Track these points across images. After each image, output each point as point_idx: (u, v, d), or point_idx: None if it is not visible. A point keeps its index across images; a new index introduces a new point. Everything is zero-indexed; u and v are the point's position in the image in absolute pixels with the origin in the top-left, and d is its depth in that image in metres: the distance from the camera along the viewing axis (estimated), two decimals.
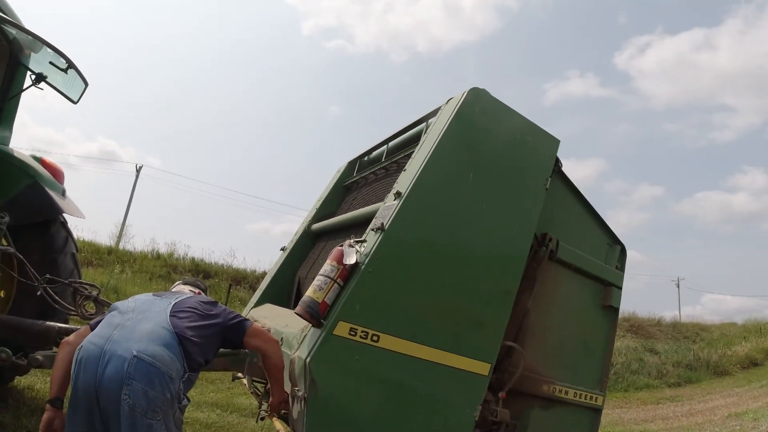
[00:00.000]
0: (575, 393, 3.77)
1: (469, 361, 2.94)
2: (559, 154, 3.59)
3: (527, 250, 3.28)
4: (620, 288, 4.10)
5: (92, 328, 2.56)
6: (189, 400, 2.53)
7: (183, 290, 3.04)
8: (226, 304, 11.73)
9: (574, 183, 3.81)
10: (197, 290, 3.14)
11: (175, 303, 2.64)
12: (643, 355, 16.23)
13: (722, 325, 25.38)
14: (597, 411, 3.94)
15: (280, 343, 3.06)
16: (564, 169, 3.69)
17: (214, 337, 2.64)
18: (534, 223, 3.32)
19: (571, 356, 3.85)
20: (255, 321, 3.63)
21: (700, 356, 16.85)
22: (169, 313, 2.54)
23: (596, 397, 3.90)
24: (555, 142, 3.56)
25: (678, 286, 41.74)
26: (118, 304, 2.67)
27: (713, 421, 9.69)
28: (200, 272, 15.65)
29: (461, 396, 2.92)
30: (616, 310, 4.10)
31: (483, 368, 2.98)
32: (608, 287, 4.02)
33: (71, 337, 2.66)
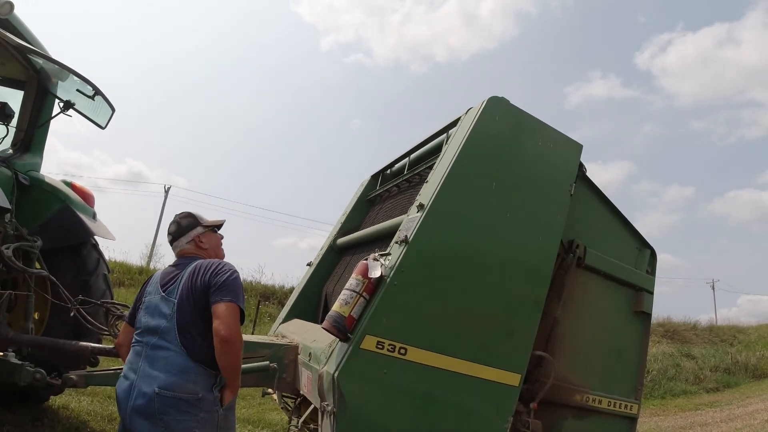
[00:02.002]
0: (609, 402, 3.69)
1: (499, 372, 2.90)
2: (583, 158, 3.55)
3: (554, 258, 3.24)
4: (652, 293, 4.01)
5: (129, 324, 2.73)
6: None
7: (182, 250, 2.73)
8: (255, 320, 11.83)
9: (601, 187, 3.76)
10: (192, 236, 2.74)
11: (177, 303, 2.48)
12: (679, 360, 15.85)
13: (760, 326, 24.63)
14: (632, 420, 3.84)
15: (308, 359, 3.08)
16: (589, 173, 3.64)
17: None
18: (560, 230, 3.28)
19: (603, 364, 3.77)
20: (283, 336, 3.65)
21: (738, 359, 16.40)
22: (176, 330, 2.44)
23: (631, 406, 3.82)
24: (578, 147, 3.52)
25: (713, 289, 40.87)
26: (143, 313, 2.63)
27: (752, 425, 9.39)
28: None
29: (492, 408, 2.89)
30: (649, 315, 4.01)
31: (513, 379, 2.94)
32: (639, 292, 3.94)
33: (120, 339, 2.85)
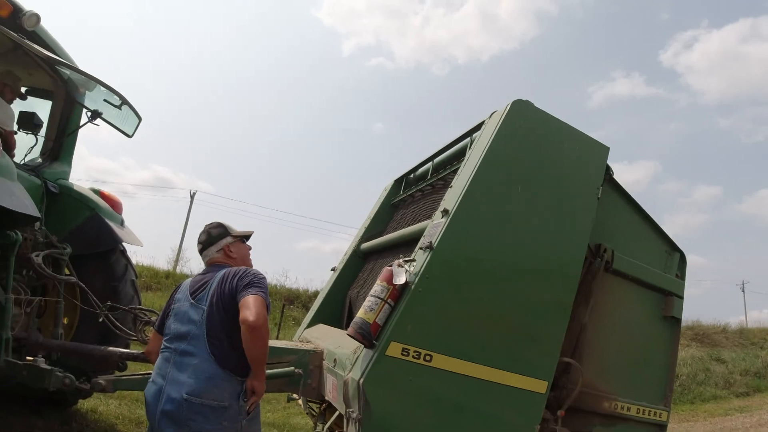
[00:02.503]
0: (638, 409, 3.62)
1: (526, 379, 2.87)
2: (609, 160, 3.48)
3: (581, 263, 3.19)
4: (681, 297, 3.93)
5: (158, 331, 2.79)
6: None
7: (211, 258, 2.79)
8: (280, 324, 11.87)
9: (626, 187, 3.69)
10: (221, 245, 2.79)
11: (206, 310, 2.53)
12: (709, 364, 15.48)
13: None
14: (662, 427, 3.76)
15: (333, 365, 3.07)
16: (615, 173, 3.57)
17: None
18: (587, 235, 3.23)
19: (632, 371, 3.70)
20: (308, 342, 3.65)
21: None
22: (205, 337, 2.49)
23: (660, 413, 3.74)
24: (604, 150, 3.46)
25: (743, 290, 39.86)
26: (172, 320, 2.67)
27: None
28: None
29: (518, 415, 2.85)
30: (678, 320, 3.93)
31: (540, 386, 2.90)
32: (669, 297, 3.85)
33: (150, 347, 2.92)
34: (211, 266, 2.77)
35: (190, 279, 2.81)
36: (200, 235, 2.87)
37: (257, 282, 2.51)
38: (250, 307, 2.38)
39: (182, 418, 2.36)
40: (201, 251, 2.85)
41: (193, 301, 2.60)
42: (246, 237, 2.94)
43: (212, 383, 2.42)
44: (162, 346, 2.65)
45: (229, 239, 2.83)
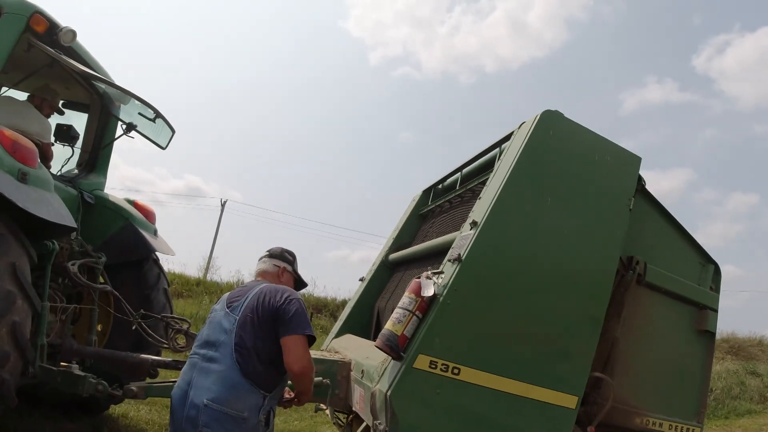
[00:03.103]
0: (670, 425, 3.54)
1: (555, 394, 2.83)
2: (642, 167, 3.42)
3: (613, 275, 3.14)
4: (716, 311, 3.83)
5: None
6: (273, 421, 2.64)
7: (263, 269, 2.95)
8: None
9: (660, 196, 3.62)
10: (281, 265, 2.96)
11: (238, 319, 2.59)
12: (744, 378, 15.03)
13: None
14: None
15: (361, 376, 3.08)
16: (648, 181, 3.50)
17: (276, 339, 2.55)
18: (619, 247, 3.18)
19: (664, 386, 3.62)
20: (336, 352, 3.66)
21: None
22: (233, 345, 2.53)
23: (693, 429, 3.64)
24: (636, 160, 3.41)
25: None
26: (205, 328, 2.76)
27: None
28: None
29: (547, 430, 2.81)
30: (713, 334, 3.83)
31: (570, 401, 2.85)
32: (703, 310, 3.76)
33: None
34: (258, 278, 2.93)
35: (229, 292, 2.92)
36: (275, 248, 3.08)
37: (299, 316, 2.58)
38: (294, 352, 2.51)
39: (199, 423, 2.40)
40: (263, 257, 3.02)
41: (227, 310, 2.68)
42: (300, 280, 3.08)
43: (235, 392, 2.45)
44: (191, 352, 2.71)
45: (290, 268, 3.00)
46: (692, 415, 3.70)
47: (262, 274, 2.95)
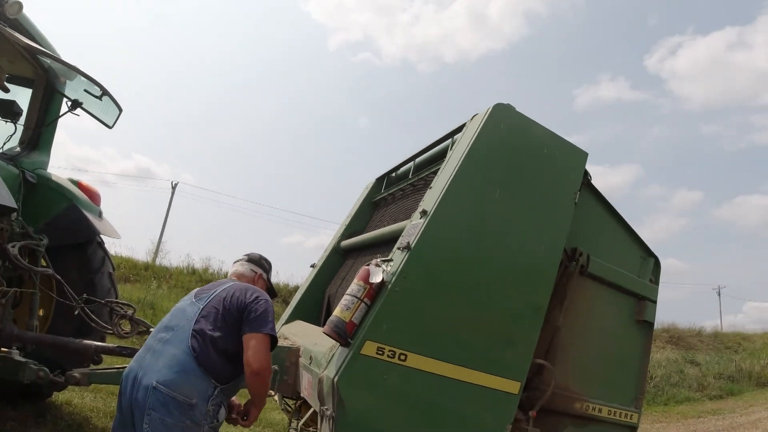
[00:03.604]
0: (609, 410, 3.68)
1: (499, 380, 2.91)
2: (590, 161, 3.54)
3: (557, 266, 3.24)
4: (655, 302, 4.00)
5: None
6: (225, 413, 2.60)
7: (239, 272, 3.05)
8: None
9: (608, 191, 3.78)
10: (257, 272, 3.07)
11: (202, 308, 2.64)
12: (683, 367, 15.77)
13: (765, 333, 24.44)
14: (633, 429, 3.83)
15: (309, 362, 3.09)
16: (597, 176, 3.63)
17: (238, 334, 2.58)
18: (563, 238, 3.28)
19: (604, 373, 3.77)
20: (285, 338, 3.65)
21: (743, 367, 16.27)
22: (191, 331, 2.55)
23: (631, 415, 3.80)
24: (583, 155, 3.52)
25: (719, 295, 40.55)
26: (168, 315, 2.77)
27: None
28: None
29: (491, 415, 2.89)
30: (651, 324, 4.00)
31: (513, 387, 2.94)
32: (642, 301, 3.92)
33: None
34: (232, 278, 2.97)
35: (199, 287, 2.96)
36: (253, 253, 3.19)
37: (265, 315, 2.62)
38: (254, 350, 2.51)
39: (146, 405, 2.35)
40: (240, 260, 3.10)
41: (194, 299, 2.72)
42: (272, 289, 3.18)
43: (185, 377, 2.42)
44: (150, 336, 2.70)
45: (265, 275, 3.13)
46: (630, 401, 3.86)
47: (238, 276, 3.01)
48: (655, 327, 4.13)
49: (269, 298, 2.77)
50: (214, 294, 2.71)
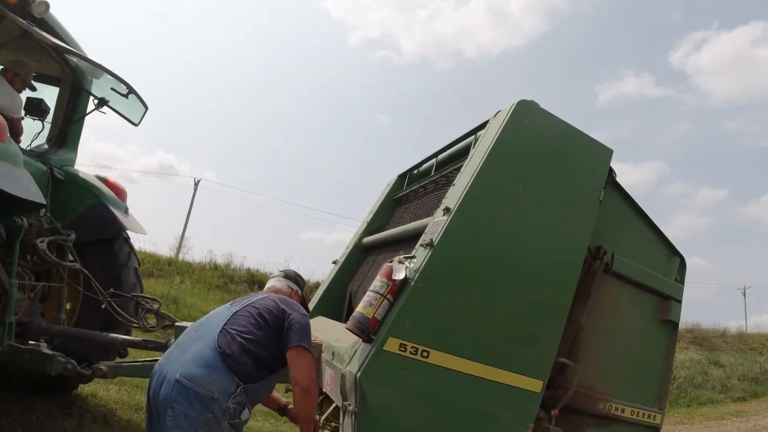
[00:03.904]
0: (632, 411, 3.64)
1: (521, 378, 2.89)
2: (614, 158, 3.48)
3: (580, 264, 3.20)
4: (680, 301, 3.93)
5: None
6: (248, 415, 2.57)
7: (276, 287, 3.08)
8: None
9: (631, 187, 3.69)
10: (294, 288, 3.12)
11: (237, 311, 2.71)
12: (707, 368, 15.50)
13: None
14: (655, 429, 3.78)
15: (331, 357, 3.11)
16: (620, 173, 3.56)
17: (273, 339, 2.63)
18: (587, 236, 3.24)
19: (628, 373, 3.72)
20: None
21: (767, 369, 15.97)
22: (220, 329, 2.61)
23: (654, 415, 3.76)
24: (608, 152, 3.47)
25: (744, 295, 39.83)
26: (203, 317, 2.86)
27: None
28: (255, 283, 15.98)
29: (512, 413, 2.87)
30: (676, 324, 3.94)
31: (535, 385, 2.92)
32: (667, 301, 3.86)
33: None
34: (268, 292, 3.01)
35: None
36: (290, 270, 3.28)
37: (305, 326, 2.72)
38: (301, 368, 2.61)
39: (170, 398, 2.38)
40: (277, 276, 3.17)
41: (229, 305, 2.81)
42: (305, 305, 3.17)
43: (207, 372, 2.44)
44: (180, 336, 2.78)
45: (300, 292, 3.17)
46: (654, 402, 3.81)
47: (275, 291, 3.04)
48: (679, 327, 4.06)
49: (303, 309, 2.84)
50: (250, 301, 2.78)
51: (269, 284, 3.13)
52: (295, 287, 3.12)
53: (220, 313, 2.77)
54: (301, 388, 2.60)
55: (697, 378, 14.36)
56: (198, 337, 2.61)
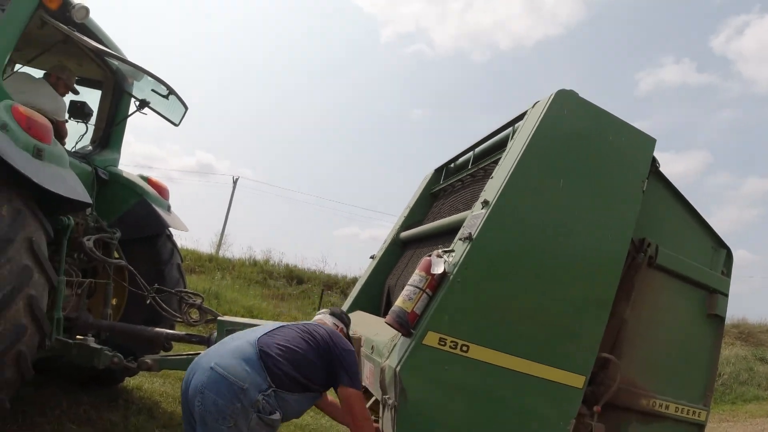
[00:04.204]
0: (677, 407, 3.55)
1: (563, 373, 2.85)
2: (656, 148, 3.38)
3: (624, 257, 3.13)
4: (726, 295, 3.81)
5: None
6: (279, 417, 2.50)
7: (322, 321, 3.04)
8: (319, 309, 12.13)
9: (674, 179, 3.57)
10: (339, 325, 3.08)
11: (284, 326, 2.78)
12: (753, 364, 15.01)
13: None
14: (700, 427, 3.67)
15: (371, 351, 3.12)
16: (662, 164, 3.46)
17: (312, 360, 2.63)
18: (630, 228, 3.16)
19: (672, 369, 3.63)
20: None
21: None
22: (264, 332, 2.67)
23: (699, 412, 3.65)
24: (651, 142, 3.38)
25: None
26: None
27: None
28: (294, 278, 16.19)
29: (554, 409, 2.84)
30: (722, 318, 3.82)
31: (577, 381, 2.88)
32: (713, 294, 3.74)
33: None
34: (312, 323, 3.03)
35: None
36: (335, 308, 3.30)
37: (355, 364, 2.76)
38: (356, 409, 2.69)
39: (201, 384, 2.41)
40: (324, 312, 3.19)
41: (278, 323, 2.87)
42: (350, 342, 3.16)
43: (243, 364, 2.46)
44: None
45: (345, 330, 3.14)
46: (699, 399, 3.70)
47: (320, 324, 3.03)
48: (725, 322, 3.94)
49: (353, 349, 2.86)
50: (301, 324, 2.83)
51: (315, 319, 3.13)
52: (341, 324, 3.09)
53: (267, 323, 2.88)
54: (356, 426, 2.70)
55: (743, 374, 13.94)
56: (241, 337, 2.67)
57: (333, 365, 2.67)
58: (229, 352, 2.53)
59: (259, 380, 2.45)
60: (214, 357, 2.51)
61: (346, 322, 3.16)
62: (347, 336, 3.11)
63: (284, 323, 2.85)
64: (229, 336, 2.80)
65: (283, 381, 2.51)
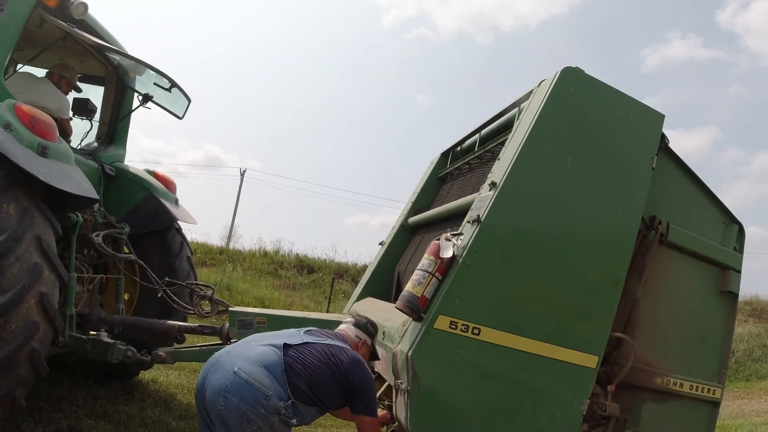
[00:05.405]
0: (691, 385, 3.53)
1: (576, 354, 2.84)
2: (665, 126, 3.32)
3: (634, 235, 3.10)
4: (739, 271, 3.76)
5: None
6: (296, 424, 2.56)
7: (345, 334, 2.97)
8: (330, 298, 12.12)
9: (684, 155, 3.52)
10: (362, 338, 2.98)
11: (311, 341, 2.71)
12: (766, 341, 14.95)
13: None
14: (715, 404, 3.65)
15: (382, 337, 3.12)
16: (671, 141, 3.41)
17: (330, 384, 2.62)
18: (641, 206, 3.13)
19: (686, 346, 3.60)
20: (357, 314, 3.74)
21: None
22: (292, 345, 2.63)
23: (714, 390, 3.62)
24: (659, 118, 3.33)
25: None
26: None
27: None
28: (305, 267, 16.20)
29: (568, 389, 2.83)
30: (735, 295, 3.77)
31: (590, 361, 2.87)
32: (726, 271, 3.70)
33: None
34: (339, 333, 2.97)
35: None
36: (360, 317, 3.13)
37: (373, 393, 2.75)
38: None
39: (222, 389, 2.41)
40: (347, 322, 3.08)
41: (303, 332, 2.81)
42: (374, 353, 3.09)
43: (267, 371, 2.47)
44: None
45: (369, 341, 3.01)
46: (713, 376, 3.67)
47: (342, 334, 2.98)
48: (738, 302, 3.89)
49: (372, 376, 2.81)
50: (325, 341, 2.75)
51: (339, 328, 3.06)
52: (364, 337, 3.00)
53: (293, 332, 2.80)
54: None
55: (757, 351, 13.90)
56: (267, 342, 2.64)
57: (352, 393, 2.67)
58: (255, 357, 2.52)
59: (281, 390, 2.47)
60: (238, 360, 2.49)
61: (371, 333, 3.04)
62: (372, 348, 3.03)
63: (309, 338, 2.75)
64: (251, 337, 2.78)
65: (302, 396, 2.54)
